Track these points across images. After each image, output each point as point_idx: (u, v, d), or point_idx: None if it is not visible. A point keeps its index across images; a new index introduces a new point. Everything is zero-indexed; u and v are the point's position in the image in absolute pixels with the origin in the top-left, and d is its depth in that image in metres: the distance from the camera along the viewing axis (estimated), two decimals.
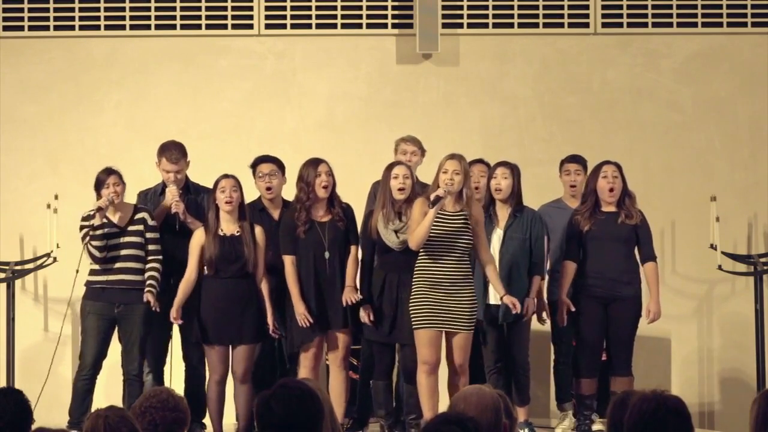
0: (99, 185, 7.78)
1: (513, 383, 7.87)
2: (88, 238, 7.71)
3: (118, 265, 7.74)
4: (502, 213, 7.86)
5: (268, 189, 7.93)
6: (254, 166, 8.01)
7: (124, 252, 7.76)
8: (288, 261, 7.61)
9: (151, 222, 7.84)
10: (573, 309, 7.82)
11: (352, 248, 7.66)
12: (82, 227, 7.80)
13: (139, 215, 7.83)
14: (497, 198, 7.86)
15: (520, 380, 7.87)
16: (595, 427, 7.92)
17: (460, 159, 7.45)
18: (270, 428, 3.98)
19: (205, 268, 7.62)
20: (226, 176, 7.69)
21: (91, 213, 7.76)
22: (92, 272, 7.80)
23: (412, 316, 7.38)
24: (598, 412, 7.96)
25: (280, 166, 8.02)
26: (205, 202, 7.95)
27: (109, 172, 7.81)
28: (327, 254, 7.59)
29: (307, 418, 3.99)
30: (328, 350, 7.71)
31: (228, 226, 7.64)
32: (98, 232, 7.68)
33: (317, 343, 7.60)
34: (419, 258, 7.41)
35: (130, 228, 7.80)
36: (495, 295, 7.69)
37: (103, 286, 7.75)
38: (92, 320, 7.74)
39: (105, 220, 7.72)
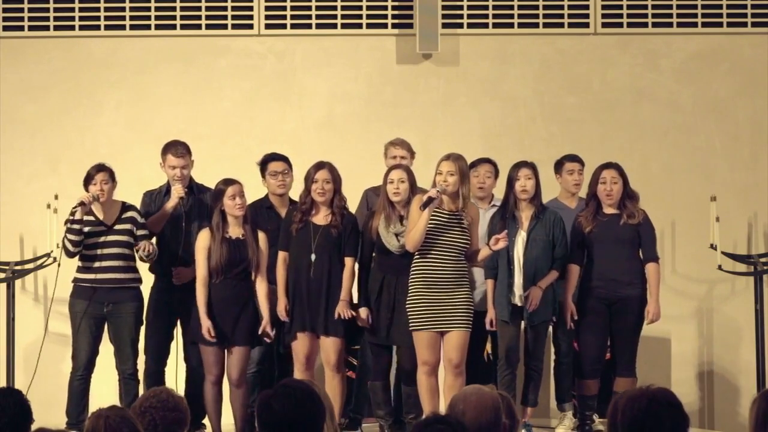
0: (88, 180, 7.74)
1: (525, 383, 7.88)
2: (65, 228, 7.68)
3: (105, 263, 7.70)
4: (526, 214, 7.82)
5: (282, 186, 7.93)
6: (264, 163, 8.00)
7: (111, 250, 7.72)
8: (279, 256, 7.63)
9: (140, 220, 7.79)
10: (576, 317, 7.83)
11: (348, 260, 7.60)
12: (65, 221, 7.76)
13: (127, 213, 7.78)
14: (522, 198, 7.81)
15: (535, 380, 7.88)
16: (595, 427, 7.92)
17: (456, 159, 7.43)
18: (270, 428, 3.98)
19: (211, 273, 7.59)
20: (232, 182, 7.58)
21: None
22: (80, 269, 7.77)
23: (409, 317, 7.37)
24: (598, 413, 7.97)
25: (289, 164, 8.03)
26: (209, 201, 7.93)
27: (99, 168, 7.74)
28: (313, 256, 7.57)
29: (308, 418, 3.99)
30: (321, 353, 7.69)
31: (234, 230, 7.61)
32: (75, 226, 7.62)
33: (307, 343, 7.58)
34: (414, 258, 7.40)
35: (118, 226, 7.74)
36: (520, 297, 7.72)
37: (90, 284, 7.72)
38: (81, 319, 7.71)
39: (93, 218, 7.69)
